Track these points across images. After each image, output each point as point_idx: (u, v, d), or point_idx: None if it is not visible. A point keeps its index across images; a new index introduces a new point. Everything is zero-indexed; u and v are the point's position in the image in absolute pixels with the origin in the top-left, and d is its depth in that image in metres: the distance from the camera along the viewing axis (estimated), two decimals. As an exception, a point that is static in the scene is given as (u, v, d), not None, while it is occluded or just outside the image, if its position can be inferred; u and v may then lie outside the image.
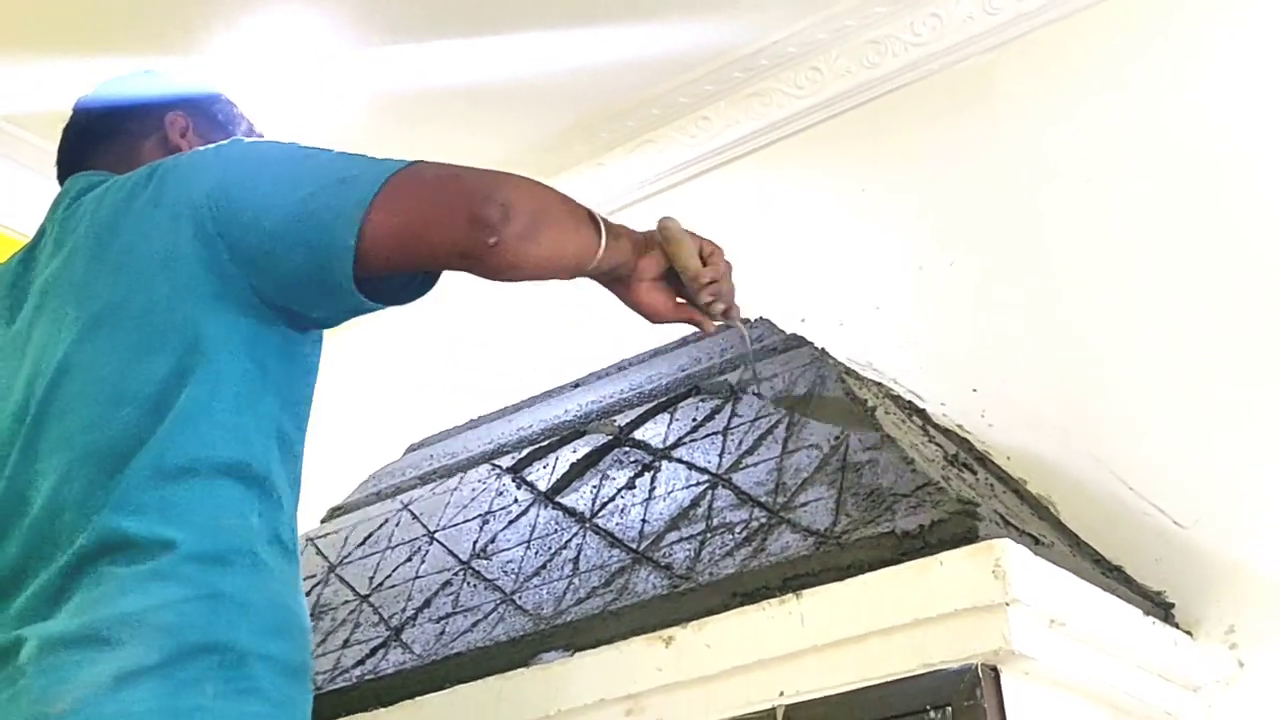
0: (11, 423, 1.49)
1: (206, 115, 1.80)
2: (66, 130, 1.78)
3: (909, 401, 2.35)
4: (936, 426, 2.28)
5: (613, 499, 2.11)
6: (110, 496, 1.41)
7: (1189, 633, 2.09)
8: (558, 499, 2.19)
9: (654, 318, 1.73)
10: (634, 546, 1.97)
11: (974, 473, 2.08)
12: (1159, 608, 2.08)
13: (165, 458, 1.42)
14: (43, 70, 2.46)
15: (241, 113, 1.86)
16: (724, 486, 1.98)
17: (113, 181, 1.61)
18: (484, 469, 2.41)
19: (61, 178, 1.75)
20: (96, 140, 1.76)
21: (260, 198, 1.49)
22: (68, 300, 1.51)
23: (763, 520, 1.87)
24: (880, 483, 1.80)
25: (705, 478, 2.02)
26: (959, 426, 2.35)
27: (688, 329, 2.50)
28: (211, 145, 1.60)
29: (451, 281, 2.91)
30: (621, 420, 2.26)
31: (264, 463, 1.47)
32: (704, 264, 1.66)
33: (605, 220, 1.60)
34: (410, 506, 2.44)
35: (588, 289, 2.85)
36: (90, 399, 1.45)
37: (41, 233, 1.66)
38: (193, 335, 1.46)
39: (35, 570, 1.42)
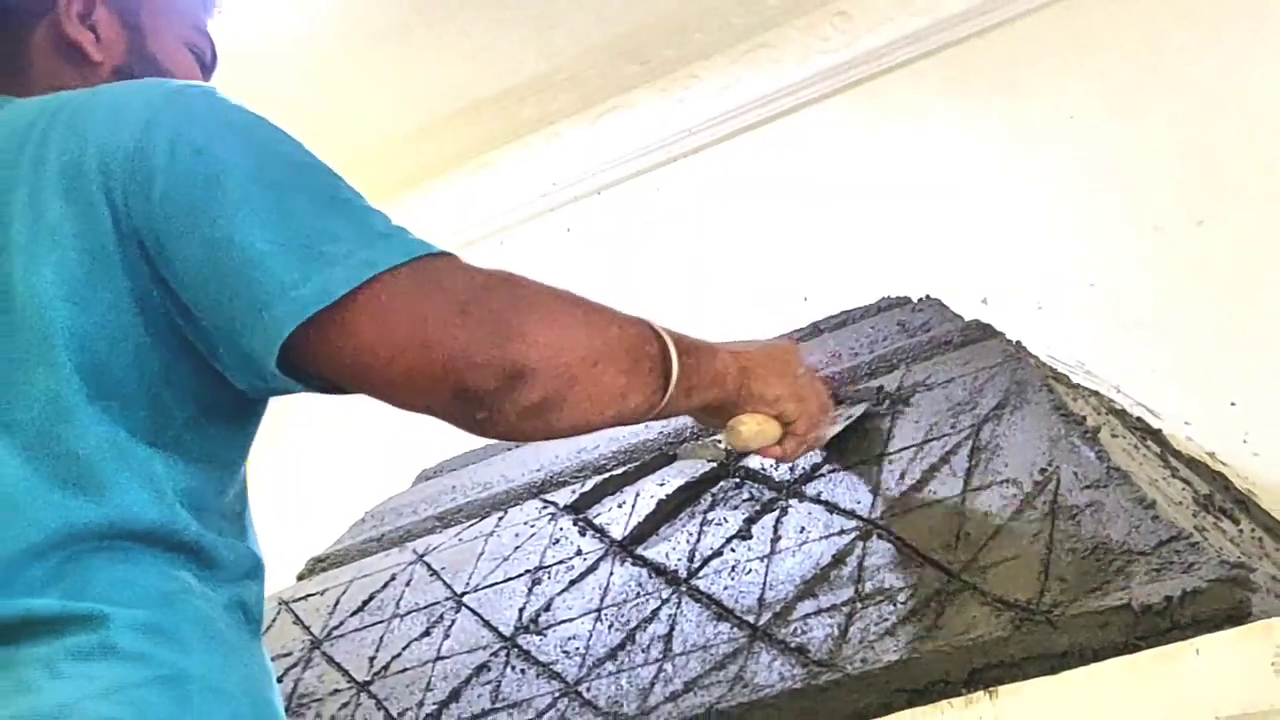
0: None
1: None
2: None
3: (1139, 419, 2.35)
4: (1179, 455, 2.28)
5: (719, 552, 2.12)
6: None
7: None
8: (639, 551, 2.20)
9: None
10: (752, 619, 1.98)
11: (1236, 521, 2.08)
12: None
13: (71, 520, 1.44)
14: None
15: None
16: (881, 536, 1.98)
17: (6, 116, 1.62)
18: (532, 506, 2.42)
19: None
20: None
21: (202, 195, 1.47)
22: None
23: (939, 585, 1.87)
24: (1108, 534, 1.81)
25: (853, 524, 2.03)
26: (1211, 455, 2.35)
27: (820, 313, 2.55)
28: (148, 86, 1.58)
29: (483, 244, 2.91)
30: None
31: (189, 526, 1.49)
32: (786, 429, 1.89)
33: (683, 358, 1.63)
34: (426, 558, 2.45)
35: (675, 263, 2.89)
36: None
37: None
38: (82, 348, 1.48)
39: None
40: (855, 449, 2.16)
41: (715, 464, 2.23)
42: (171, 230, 1.47)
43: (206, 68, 1.81)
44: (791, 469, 2.17)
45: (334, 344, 1.45)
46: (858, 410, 2.18)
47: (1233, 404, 2.39)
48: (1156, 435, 2.31)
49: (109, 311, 1.48)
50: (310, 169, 1.52)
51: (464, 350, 1.43)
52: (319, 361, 1.46)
